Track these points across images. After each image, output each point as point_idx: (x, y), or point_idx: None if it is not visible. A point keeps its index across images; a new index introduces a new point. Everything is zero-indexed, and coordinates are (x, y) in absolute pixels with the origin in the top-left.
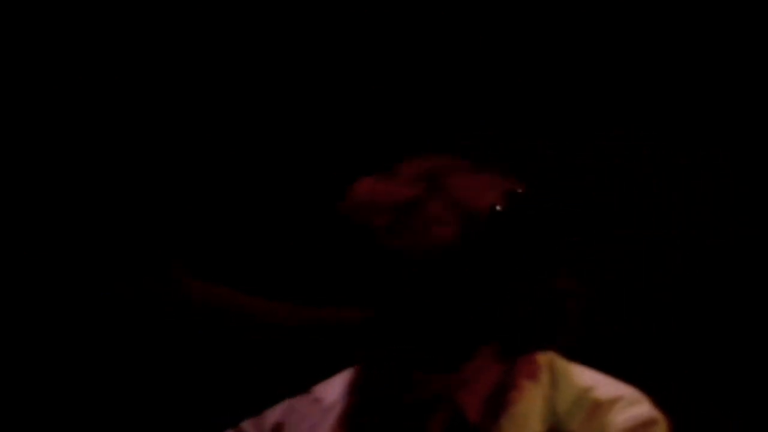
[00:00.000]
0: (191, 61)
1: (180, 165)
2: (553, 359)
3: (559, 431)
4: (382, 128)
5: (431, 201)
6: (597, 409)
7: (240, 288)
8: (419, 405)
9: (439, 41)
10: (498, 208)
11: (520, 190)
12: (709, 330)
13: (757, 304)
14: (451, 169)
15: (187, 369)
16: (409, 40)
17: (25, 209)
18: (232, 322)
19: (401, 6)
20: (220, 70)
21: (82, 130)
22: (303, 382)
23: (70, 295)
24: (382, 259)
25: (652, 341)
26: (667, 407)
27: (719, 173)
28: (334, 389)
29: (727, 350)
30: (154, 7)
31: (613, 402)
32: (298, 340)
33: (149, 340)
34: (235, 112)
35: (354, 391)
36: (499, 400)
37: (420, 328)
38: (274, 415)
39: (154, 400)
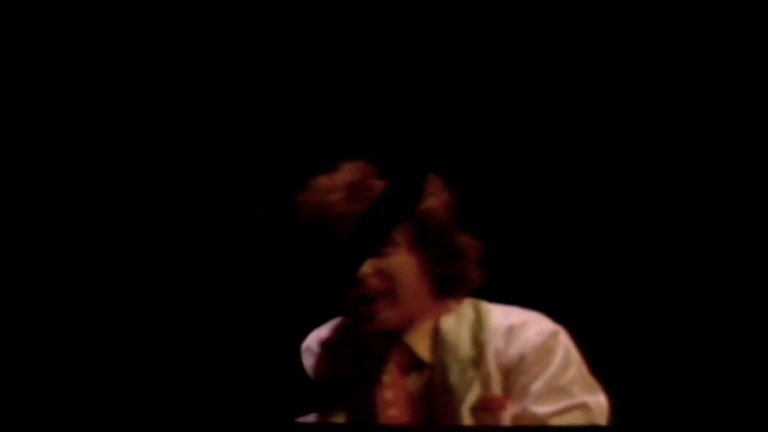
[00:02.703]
0: (194, 65)
1: (178, 165)
2: (477, 303)
3: (486, 349)
4: (383, 128)
5: (375, 181)
6: (511, 330)
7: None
8: (383, 338)
9: (439, 41)
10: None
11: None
12: (709, 330)
13: (757, 304)
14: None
15: (187, 369)
16: (409, 40)
17: (26, 209)
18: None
19: (402, 6)
20: (220, 71)
21: (82, 130)
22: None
23: (71, 295)
24: (338, 225)
25: (652, 341)
26: (668, 407)
27: (719, 173)
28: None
29: (727, 350)
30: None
31: (523, 323)
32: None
33: (149, 340)
34: (234, 111)
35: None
36: (437, 336)
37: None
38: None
39: (154, 399)
